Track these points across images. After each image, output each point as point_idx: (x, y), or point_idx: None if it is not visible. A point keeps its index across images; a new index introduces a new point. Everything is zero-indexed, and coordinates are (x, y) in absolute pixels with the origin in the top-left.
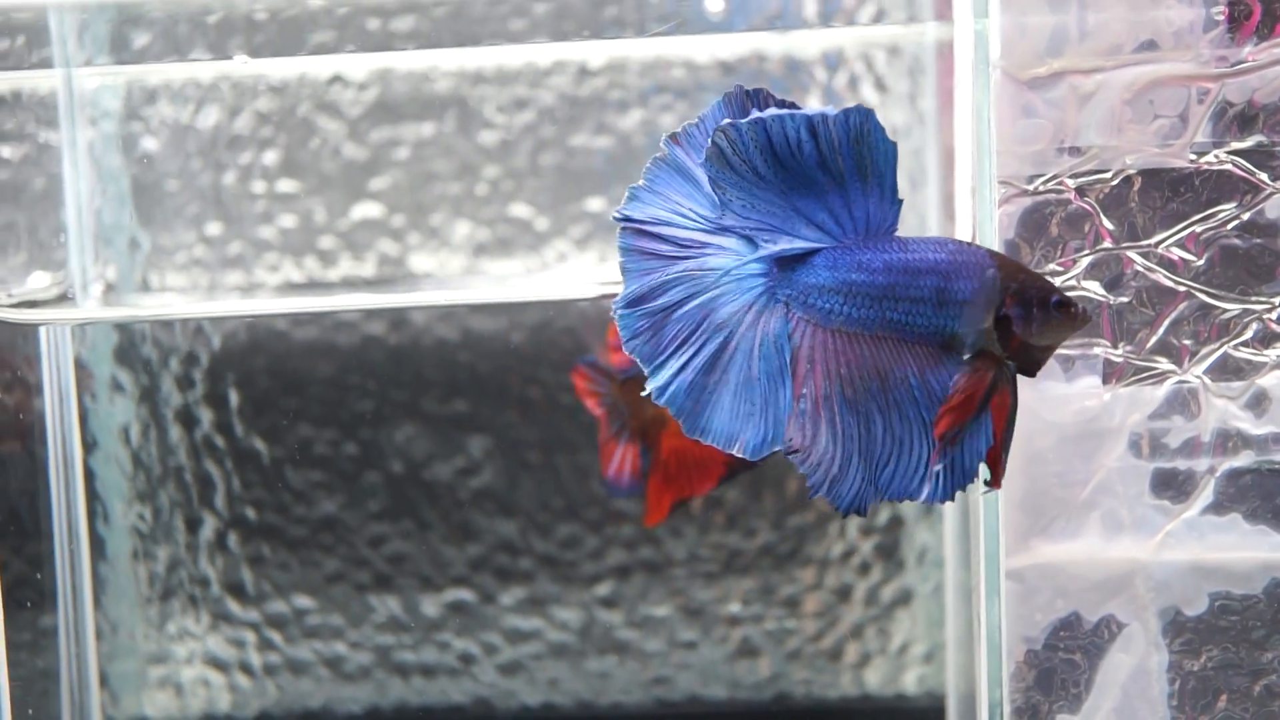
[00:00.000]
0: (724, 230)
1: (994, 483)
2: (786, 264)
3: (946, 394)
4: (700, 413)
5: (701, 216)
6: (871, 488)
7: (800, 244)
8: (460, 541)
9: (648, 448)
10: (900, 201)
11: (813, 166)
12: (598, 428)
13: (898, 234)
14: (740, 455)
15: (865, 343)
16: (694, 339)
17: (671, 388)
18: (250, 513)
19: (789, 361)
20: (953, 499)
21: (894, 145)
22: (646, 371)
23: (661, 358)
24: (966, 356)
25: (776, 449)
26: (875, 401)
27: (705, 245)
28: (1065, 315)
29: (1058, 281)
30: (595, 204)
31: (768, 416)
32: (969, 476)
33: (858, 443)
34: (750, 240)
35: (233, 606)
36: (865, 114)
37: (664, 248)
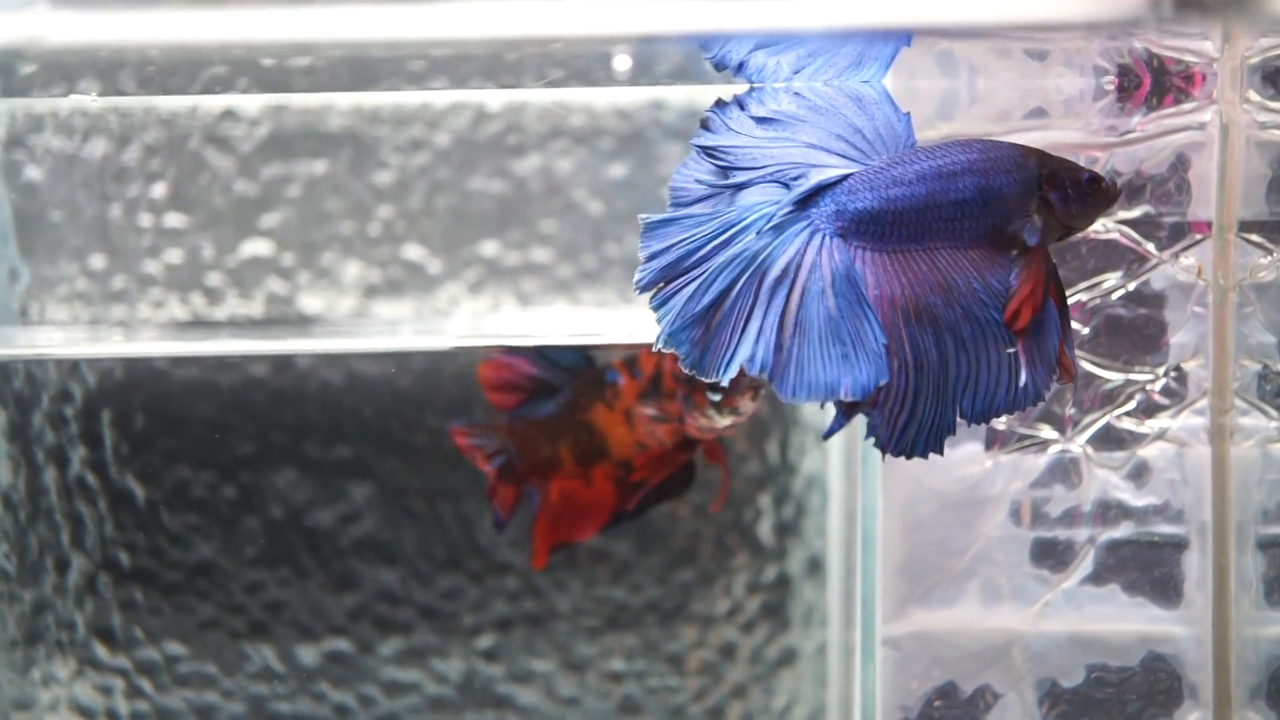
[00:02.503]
0: (737, 187)
1: (1066, 376)
2: (826, 196)
3: (1008, 290)
4: (796, 372)
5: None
6: (950, 417)
7: (832, 173)
8: (339, 590)
9: (536, 489)
10: (908, 114)
11: (812, 109)
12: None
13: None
14: (848, 399)
15: (920, 258)
16: (756, 309)
17: (759, 360)
18: (123, 556)
19: (864, 291)
20: (1044, 398)
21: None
22: (713, 375)
23: (727, 350)
24: (1015, 252)
25: (882, 384)
26: (943, 317)
27: (720, 209)
28: (1098, 192)
29: None
30: (490, 248)
31: (861, 353)
32: (1051, 368)
33: (929, 372)
34: (779, 184)
35: (101, 652)
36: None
37: (686, 252)
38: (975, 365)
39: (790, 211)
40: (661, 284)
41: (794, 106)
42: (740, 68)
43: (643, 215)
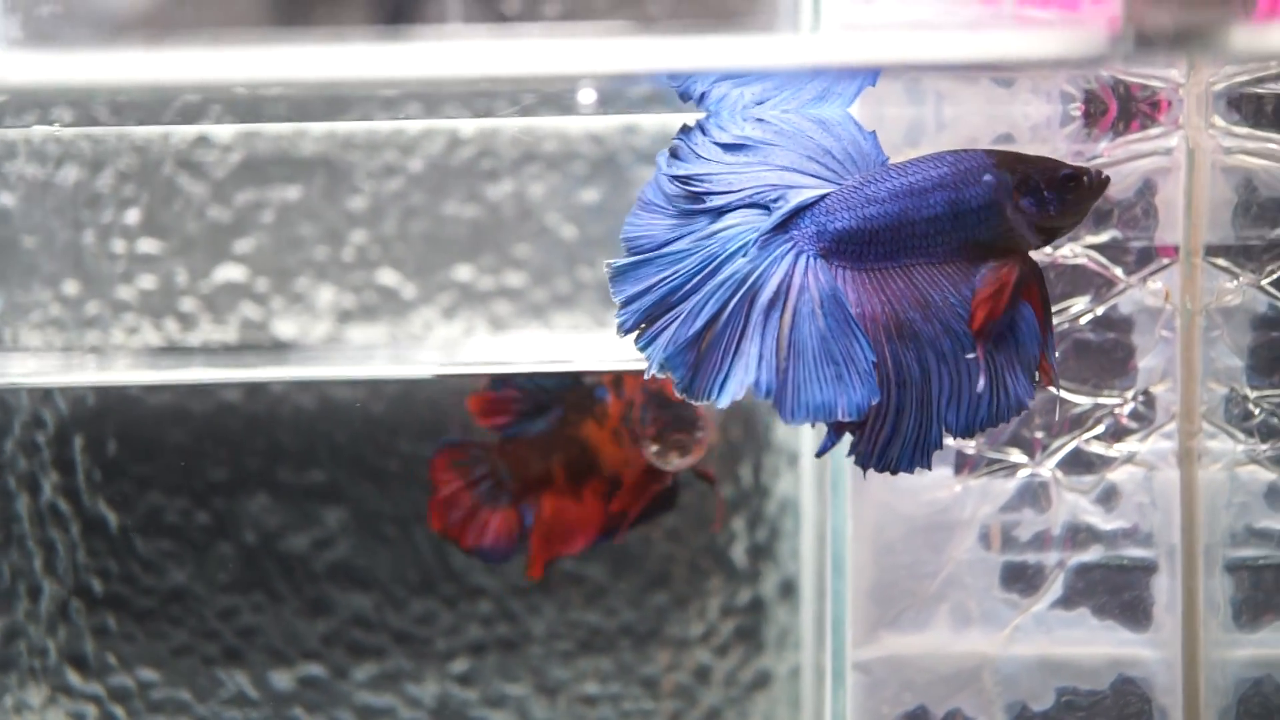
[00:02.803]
0: (715, 213)
1: (1046, 379)
2: (806, 217)
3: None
4: (794, 394)
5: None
6: (935, 432)
7: (809, 194)
8: (313, 615)
9: (530, 507)
10: (873, 133)
11: (778, 133)
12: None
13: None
14: (845, 420)
15: (897, 275)
16: (750, 331)
17: (763, 384)
18: (95, 582)
19: (850, 311)
20: (1026, 407)
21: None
22: (704, 397)
23: (718, 373)
24: (990, 265)
25: (875, 402)
26: (923, 333)
27: (700, 243)
28: (1079, 189)
29: None
30: (463, 273)
31: (853, 372)
32: (1032, 376)
33: (912, 388)
34: (757, 207)
35: (74, 679)
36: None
37: (671, 287)
38: (957, 378)
39: (773, 233)
40: (644, 325)
41: (760, 132)
42: (703, 98)
43: (609, 261)
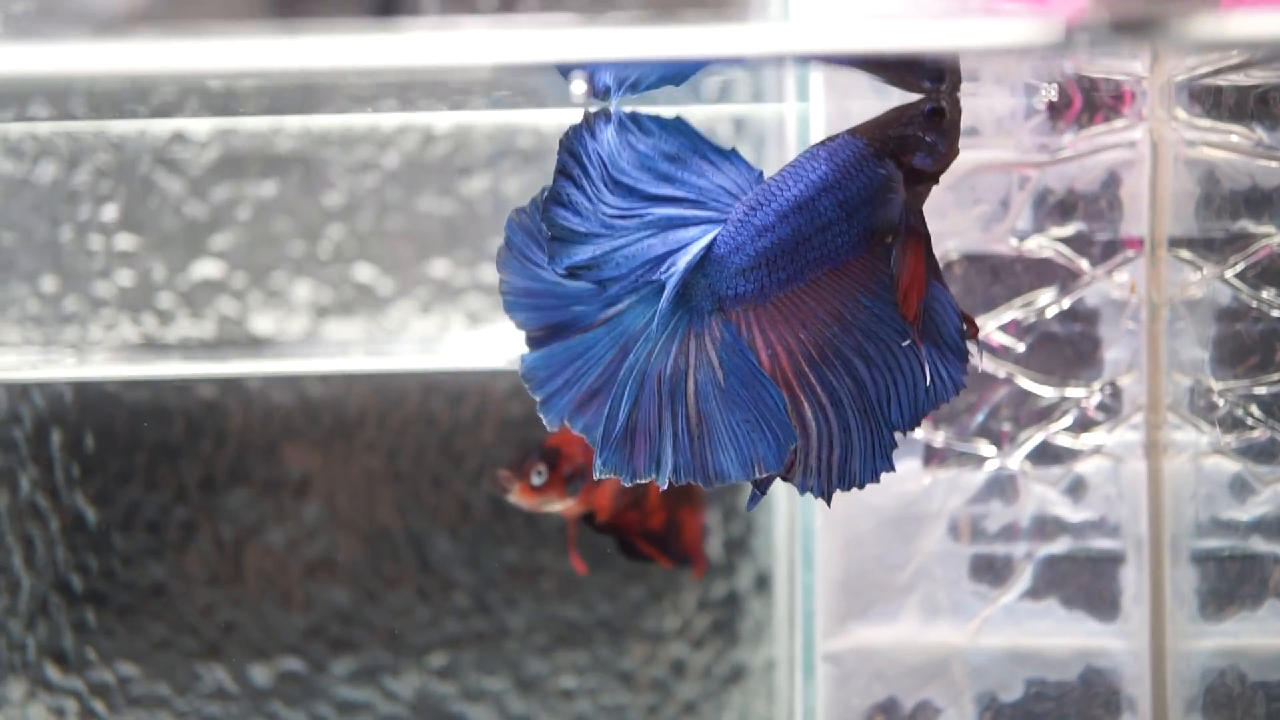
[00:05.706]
0: (613, 294)
1: (972, 329)
2: (698, 276)
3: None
4: (713, 459)
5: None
6: (886, 434)
7: (694, 249)
8: (291, 610)
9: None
10: (733, 149)
11: (646, 194)
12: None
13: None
14: (763, 475)
15: (805, 295)
16: (664, 413)
17: (681, 468)
18: (74, 578)
19: (750, 356)
20: (963, 384)
21: (677, 116)
22: (640, 479)
23: (652, 453)
24: (890, 239)
25: (793, 447)
26: (845, 344)
27: (607, 327)
28: (944, 119)
29: None
30: (439, 268)
31: (767, 421)
32: (959, 352)
33: (850, 402)
34: (650, 283)
35: (53, 674)
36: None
37: (589, 379)
38: (890, 376)
39: (670, 305)
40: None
41: (627, 198)
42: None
43: (523, 352)
